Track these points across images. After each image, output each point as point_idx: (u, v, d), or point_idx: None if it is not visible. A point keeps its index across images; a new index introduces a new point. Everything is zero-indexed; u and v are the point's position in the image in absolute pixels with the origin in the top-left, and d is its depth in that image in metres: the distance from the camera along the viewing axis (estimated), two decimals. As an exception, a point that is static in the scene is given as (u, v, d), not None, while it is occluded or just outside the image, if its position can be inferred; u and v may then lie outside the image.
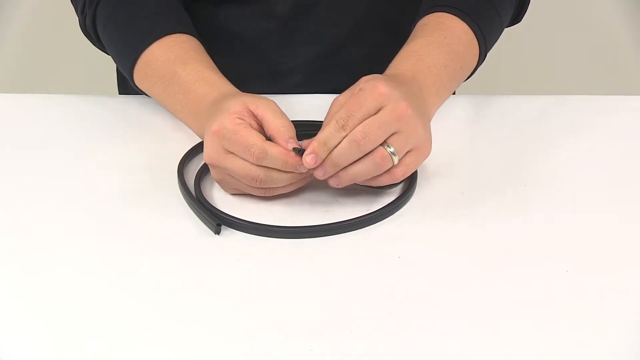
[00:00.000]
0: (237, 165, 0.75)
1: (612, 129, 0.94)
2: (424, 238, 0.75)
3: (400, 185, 0.81)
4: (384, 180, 0.76)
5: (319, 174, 0.75)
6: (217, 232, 0.75)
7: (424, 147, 0.77)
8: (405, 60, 0.86)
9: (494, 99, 1.00)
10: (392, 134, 0.74)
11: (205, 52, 0.92)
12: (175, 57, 0.88)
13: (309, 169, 0.75)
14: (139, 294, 0.68)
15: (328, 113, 0.78)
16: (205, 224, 0.76)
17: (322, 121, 0.77)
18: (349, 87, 0.79)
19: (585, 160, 0.87)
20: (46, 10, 1.94)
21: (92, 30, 0.97)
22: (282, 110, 0.78)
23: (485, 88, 0.97)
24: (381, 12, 1.03)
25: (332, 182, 0.76)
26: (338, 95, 0.78)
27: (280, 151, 0.74)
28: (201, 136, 0.85)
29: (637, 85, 1.97)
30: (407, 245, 0.74)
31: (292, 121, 0.89)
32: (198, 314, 0.65)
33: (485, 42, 0.91)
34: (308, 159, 0.73)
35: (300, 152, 0.74)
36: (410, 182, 0.81)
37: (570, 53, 2.00)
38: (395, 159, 0.75)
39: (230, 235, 0.75)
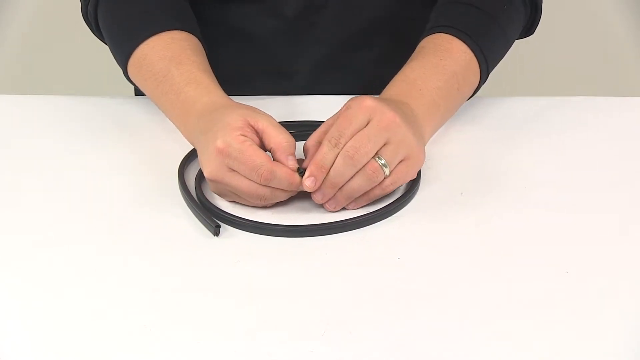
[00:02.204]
0: (242, 184, 0.75)
1: (613, 130, 0.94)
2: (424, 239, 0.75)
3: (403, 186, 0.81)
4: (376, 194, 0.77)
5: (318, 198, 0.76)
6: (216, 233, 0.74)
7: (415, 156, 0.77)
8: (397, 85, 0.85)
9: (495, 100, 1.00)
10: (383, 145, 0.75)
11: (204, 52, 0.91)
12: (172, 55, 0.87)
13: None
14: (139, 294, 0.68)
15: (316, 132, 0.78)
16: (204, 225, 0.76)
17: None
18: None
19: (586, 161, 0.87)
20: (46, 10, 1.94)
21: (92, 18, 0.96)
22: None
23: (485, 90, 0.97)
24: (390, 17, 1.02)
25: (329, 206, 0.77)
26: (328, 119, 0.78)
27: (286, 172, 0.75)
28: (189, 139, 0.85)
29: (637, 86, 1.97)
30: (407, 246, 0.74)
31: (295, 122, 0.89)
32: (198, 314, 0.65)
33: (487, 60, 0.90)
34: (307, 183, 0.74)
35: (302, 172, 0.75)
36: (412, 183, 0.81)
37: (571, 54, 2.00)
38: (387, 170, 0.75)
39: (230, 236, 0.75)
